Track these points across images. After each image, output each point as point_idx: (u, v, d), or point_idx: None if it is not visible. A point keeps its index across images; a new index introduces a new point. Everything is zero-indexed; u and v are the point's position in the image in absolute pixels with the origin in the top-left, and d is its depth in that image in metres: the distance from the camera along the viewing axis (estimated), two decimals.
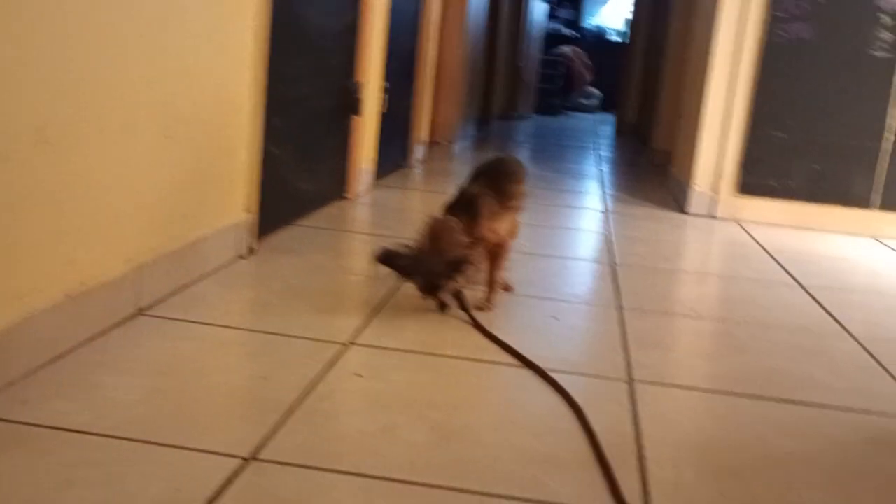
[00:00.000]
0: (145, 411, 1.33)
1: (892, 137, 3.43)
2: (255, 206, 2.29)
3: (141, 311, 1.74)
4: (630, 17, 10.20)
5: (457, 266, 1.82)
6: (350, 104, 3.15)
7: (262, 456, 1.22)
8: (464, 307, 1.91)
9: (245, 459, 1.20)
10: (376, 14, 3.25)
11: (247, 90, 2.17)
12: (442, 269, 1.83)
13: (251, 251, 2.27)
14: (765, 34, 3.47)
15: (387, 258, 1.85)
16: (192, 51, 1.87)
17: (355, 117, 3.20)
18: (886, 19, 3.36)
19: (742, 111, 3.56)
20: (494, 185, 1.98)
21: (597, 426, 1.40)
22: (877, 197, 3.49)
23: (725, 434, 1.44)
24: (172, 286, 1.88)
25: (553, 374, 1.61)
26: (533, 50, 9.23)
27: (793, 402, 1.60)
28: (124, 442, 1.22)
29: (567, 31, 12.04)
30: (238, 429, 1.30)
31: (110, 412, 1.31)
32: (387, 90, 3.57)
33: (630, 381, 1.63)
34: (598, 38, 12.14)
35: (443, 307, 1.91)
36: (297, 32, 2.55)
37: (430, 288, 1.86)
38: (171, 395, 1.40)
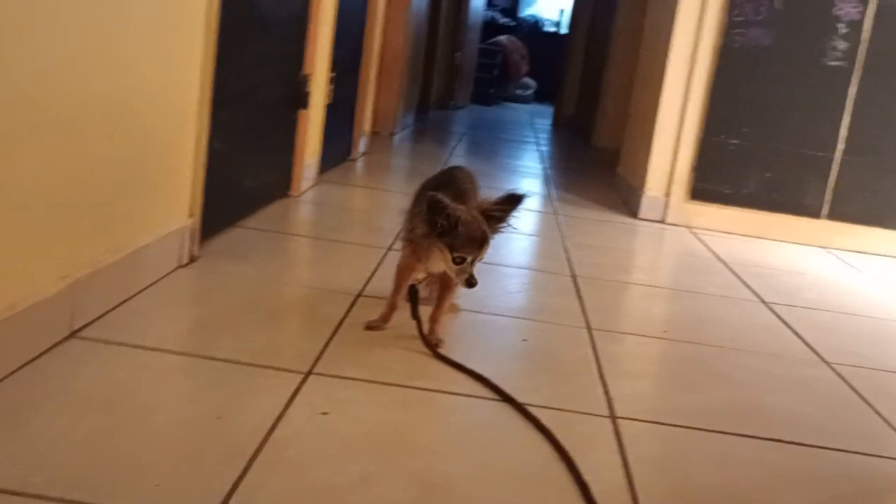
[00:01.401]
0: (82, 461, 1.15)
1: (844, 147, 3.43)
2: (198, 209, 2.10)
3: (74, 333, 1.55)
4: (568, 8, 10.17)
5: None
6: (298, 97, 2.97)
7: None
8: (424, 339, 1.74)
9: None
10: (326, 2, 3.07)
11: (195, 83, 1.98)
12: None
13: (193, 259, 2.09)
14: (722, 38, 3.41)
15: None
16: (138, 41, 1.67)
17: (302, 110, 3.02)
18: (843, 28, 3.34)
19: (696, 116, 3.50)
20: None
21: (586, 473, 1.29)
22: (827, 207, 3.48)
23: (722, 481, 1.35)
24: (110, 303, 1.69)
25: (531, 409, 1.49)
26: (471, 39, 9.11)
27: (784, 441, 1.52)
28: None
29: (503, 20, 11.95)
30: (194, 483, 1.14)
31: (41, 464, 1.13)
32: (332, 81, 3.40)
33: (613, 418, 1.53)
34: (534, 29, 12.08)
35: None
36: (248, 20, 2.37)
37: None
38: (113, 439, 1.23)
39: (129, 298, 1.76)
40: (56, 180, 1.44)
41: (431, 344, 1.72)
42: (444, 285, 1.79)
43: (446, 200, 1.58)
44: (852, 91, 3.38)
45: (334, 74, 3.40)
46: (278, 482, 1.17)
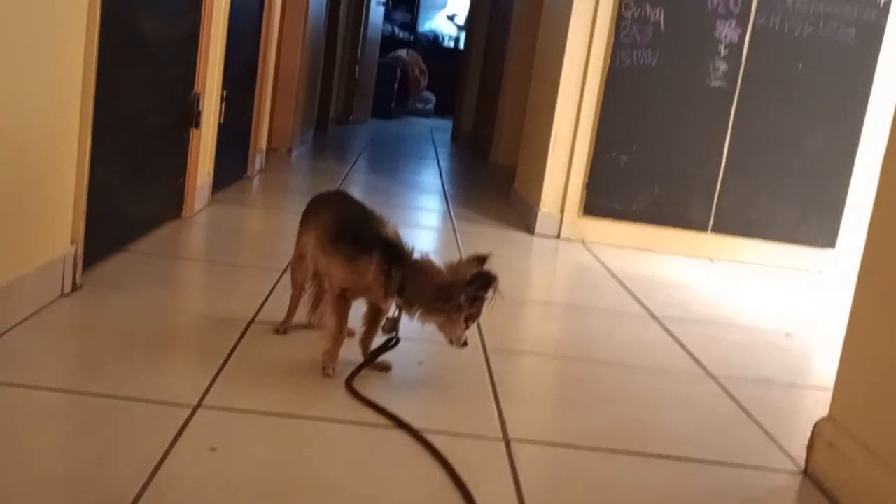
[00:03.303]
0: None
1: (725, 164, 3.58)
2: (80, 236, 2.02)
3: None
4: (462, 24, 10.29)
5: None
6: (189, 117, 2.90)
7: None
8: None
9: None
10: (216, 20, 3.02)
11: (75, 108, 1.91)
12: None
13: (76, 287, 2.01)
14: (610, 59, 3.52)
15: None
16: (9, 65, 1.60)
17: (194, 130, 2.95)
18: (724, 51, 3.49)
19: (588, 135, 3.59)
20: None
21: (479, 498, 1.29)
22: (711, 221, 3.62)
23: (609, 502, 1.38)
24: None
25: (427, 435, 1.49)
26: (370, 54, 9.10)
27: (669, 458, 1.56)
28: None
29: (402, 35, 12.01)
30: None
31: None
32: (224, 99, 3.34)
33: (507, 441, 1.54)
34: (433, 44, 12.18)
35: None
36: (132, 41, 2.30)
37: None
38: None
39: (5, 332, 1.68)
40: None
41: (354, 380, 1.70)
42: (377, 312, 1.79)
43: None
44: (734, 110, 3.53)
45: (226, 93, 3.34)
46: None
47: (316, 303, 1.97)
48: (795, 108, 3.53)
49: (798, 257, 3.63)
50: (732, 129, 3.54)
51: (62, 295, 1.95)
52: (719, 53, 3.48)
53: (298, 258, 1.91)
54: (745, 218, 3.61)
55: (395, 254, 1.68)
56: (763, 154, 3.57)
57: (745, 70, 3.49)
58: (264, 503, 1.22)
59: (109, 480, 1.22)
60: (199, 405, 1.50)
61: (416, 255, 1.72)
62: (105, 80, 2.02)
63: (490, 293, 1.63)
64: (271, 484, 1.28)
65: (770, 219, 3.61)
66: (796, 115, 3.53)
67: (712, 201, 3.60)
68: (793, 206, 3.61)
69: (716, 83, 3.51)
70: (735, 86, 3.51)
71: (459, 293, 1.62)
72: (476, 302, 1.64)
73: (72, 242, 1.99)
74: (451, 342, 1.69)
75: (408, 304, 1.69)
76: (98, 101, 1.99)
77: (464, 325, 1.66)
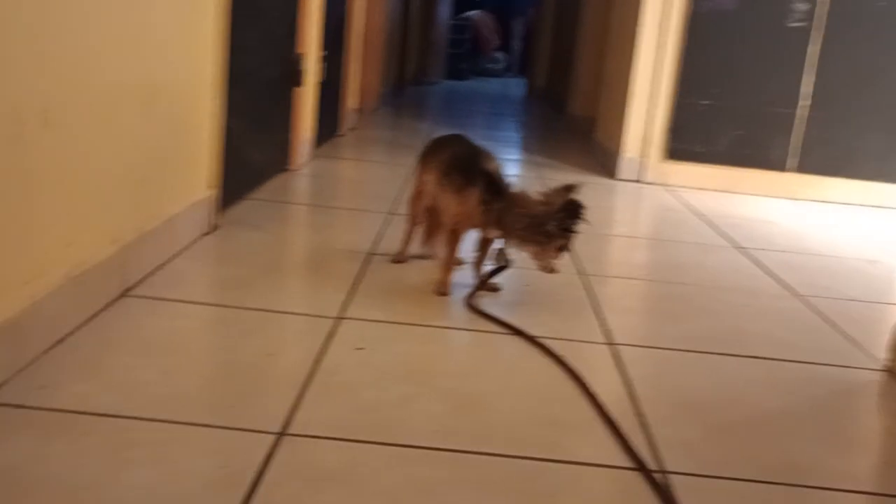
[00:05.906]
0: (166, 391, 1.33)
1: (806, 104, 3.65)
2: (217, 181, 2.27)
3: (126, 292, 1.72)
4: None
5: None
6: (293, 75, 3.12)
7: (293, 430, 1.25)
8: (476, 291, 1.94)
9: (279, 434, 1.23)
10: None
11: (210, 65, 2.15)
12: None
13: (215, 227, 2.26)
14: (690, 4, 3.61)
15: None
16: (162, 27, 1.83)
17: (297, 88, 3.18)
18: None
19: (669, 79, 3.70)
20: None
21: (594, 389, 1.48)
22: (792, 161, 3.71)
23: (711, 392, 1.55)
24: (152, 265, 1.86)
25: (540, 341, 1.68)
26: (442, 15, 9.24)
27: (762, 358, 1.73)
28: (157, 423, 1.23)
29: None
30: (261, 405, 1.33)
31: (132, 394, 1.31)
32: (324, 59, 3.55)
33: (611, 345, 1.73)
34: (504, 2, 12.21)
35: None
36: (250, 2, 2.52)
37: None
38: (185, 374, 1.41)
39: (167, 261, 1.94)
40: (104, 157, 1.60)
41: (472, 299, 1.91)
42: (486, 240, 1.99)
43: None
44: (813, 50, 3.59)
45: (325, 53, 3.56)
46: (332, 402, 1.36)
47: (429, 235, 2.18)
48: (880, 43, 3.57)
49: (883, 195, 3.69)
50: (817, 69, 3.60)
51: (205, 233, 2.20)
52: None
53: (417, 193, 2.11)
54: (828, 157, 3.69)
55: (494, 186, 1.87)
56: (847, 92, 3.63)
57: (826, 8, 3.54)
58: (411, 384, 1.44)
59: (283, 368, 1.46)
60: (341, 317, 1.73)
61: (514, 189, 1.90)
62: (231, 40, 2.25)
63: (578, 222, 1.79)
64: (414, 372, 1.50)
65: (854, 157, 3.68)
66: (881, 51, 3.58)
67: (796, 141, 3.68)
68: (878, 143, 3.67)
69: (794, 23, 3.57)
70: (813, 24, 3.56)
71: (551, 222, 1.79)
72: (565, 230, 1.80)
73: (210, 187, 2.24)
74: (542, 269, 1.86)
75: (505, 234, 1.87)
76: (227, 56, 2.22)
77: (555, 254, 1.83)
